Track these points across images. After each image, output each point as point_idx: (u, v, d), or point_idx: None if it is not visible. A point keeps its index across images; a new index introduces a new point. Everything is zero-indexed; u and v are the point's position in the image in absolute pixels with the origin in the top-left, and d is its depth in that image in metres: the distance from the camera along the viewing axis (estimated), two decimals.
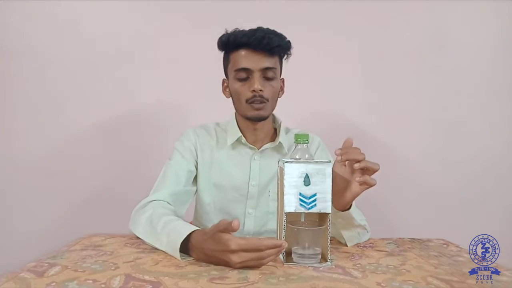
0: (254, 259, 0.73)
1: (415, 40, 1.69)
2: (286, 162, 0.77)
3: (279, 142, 1.14)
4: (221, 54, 1.15)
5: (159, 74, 1.64)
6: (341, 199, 0.87)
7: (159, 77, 1.64)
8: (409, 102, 1.70)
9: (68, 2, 1.60)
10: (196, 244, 0.79)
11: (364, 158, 0.81)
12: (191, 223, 0.92)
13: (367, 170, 0.83)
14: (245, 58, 1.06)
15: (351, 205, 0.90)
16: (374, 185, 0.83)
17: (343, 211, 0.90)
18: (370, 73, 1.69)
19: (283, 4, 1.64)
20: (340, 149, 0.80)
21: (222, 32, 1.11)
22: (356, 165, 0.80)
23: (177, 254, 0.80)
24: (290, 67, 1.18)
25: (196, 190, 1.17)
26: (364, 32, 1.68)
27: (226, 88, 1.16)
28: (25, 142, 1.60)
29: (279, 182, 0.82)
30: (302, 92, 1.61)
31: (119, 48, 1.63)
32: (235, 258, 0.73)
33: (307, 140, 0.81)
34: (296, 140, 0.81)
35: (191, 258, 0.81)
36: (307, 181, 0.76)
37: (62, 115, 1.62)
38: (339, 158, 0.80)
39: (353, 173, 0.84)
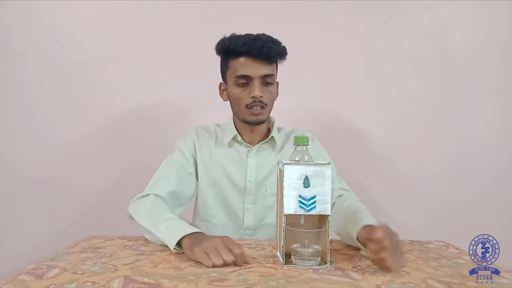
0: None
1: (415, 41, 1.69)
2: (286, 164, 0.76)
3: (272, 136, 1.18)
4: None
5: (161, 75, 1.64)
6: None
7: (161, 78, 1.64)
8: (409, 103, 1.70)
9: (68, 2, 1.60)
10: (193, 240, 0.83)
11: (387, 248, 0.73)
12: (190, 223, 0.93)
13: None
14: (245, 66, 1.09)
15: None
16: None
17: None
18: (370, 74, 1.69)
19: (283, 4, 1.64)
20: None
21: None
22: (383, 254, 0.72)
23: (173, 241, 0.84)
24: (290, 67, 1.19)
25: (197, 188, 1.20)
26: (364, 32, 1.68)
27: (224, 91, 1.19)
28: (24, 144, 1.60)
29: (278, 184, 0.82)
30: (301, 93, 1.61)
31: (119, 49, 1.63)
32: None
33: (306, 142, 0.81)
34: (296, 142, 0.81)
35: (182, 251, 0.84)
36: (306, 183, 0.76)
37: (62, 116, 1.61)
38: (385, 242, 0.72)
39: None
